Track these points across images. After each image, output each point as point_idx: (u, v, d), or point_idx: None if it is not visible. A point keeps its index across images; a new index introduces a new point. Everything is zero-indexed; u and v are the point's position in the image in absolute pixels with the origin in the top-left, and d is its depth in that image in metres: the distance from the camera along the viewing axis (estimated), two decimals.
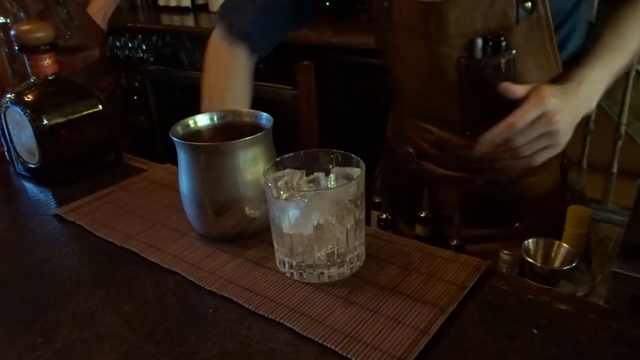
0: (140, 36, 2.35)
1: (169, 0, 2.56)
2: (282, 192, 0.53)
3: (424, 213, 0.97)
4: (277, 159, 0.58)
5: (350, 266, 0.56)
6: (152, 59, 2.35)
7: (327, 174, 0.58)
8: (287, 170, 0.57)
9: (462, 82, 0.75)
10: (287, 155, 0.58)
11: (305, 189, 0.56)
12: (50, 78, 0.81)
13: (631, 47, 0.74)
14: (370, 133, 1.09)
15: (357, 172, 0.56)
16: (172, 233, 0.67)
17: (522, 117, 0.65)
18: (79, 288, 0.59)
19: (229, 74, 0.87)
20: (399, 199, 0.99)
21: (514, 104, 0.76)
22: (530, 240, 0.64)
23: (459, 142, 0.84)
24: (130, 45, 2.39)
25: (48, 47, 0.79)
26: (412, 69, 0.80)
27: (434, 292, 0.53)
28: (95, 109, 0.85)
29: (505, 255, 0.84)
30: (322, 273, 0.55)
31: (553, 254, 0.63)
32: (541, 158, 0.69)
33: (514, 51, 0.71)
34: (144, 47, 2.37)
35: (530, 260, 0.61)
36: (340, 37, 1.76)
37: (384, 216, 1.00)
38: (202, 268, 0.60)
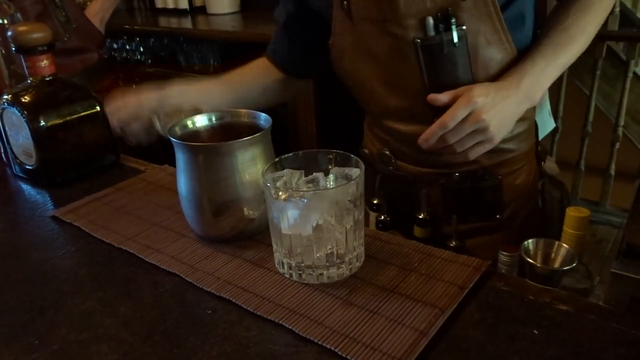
0: (137, 38, 2.35)
1: (167, 3, 2.56)
2: (281, 193, 0.53)
3: (422, 214, 0.97)
4: (276, 160, 0.58)
5: (350, 267, 0.56)
6: (149, 61, 2.35)
7: (326, 174, 0.58)
8: (286, 171, 0.57)
9: (422, 63, 0.77)
10: (286, 156, 0.58)
11: (304, 189, 0.56)
12: (47, 79, 0.81)
13: (579, 41, 0.78)
14: (352, 137, 1.09)
15: (356, 172, 0.56)
16: (170, 234, 0.67)
17: (451, 116, 0.70)
18: (76, 289, 0.58)
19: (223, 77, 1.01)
20: (391, 203, 0.99)
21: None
22: (530, 241, 0.64)
23: None
24: (128, 47, 2.39)
25: (45, 48, 0.79)
26: (374, 64, 0.82)
27: (433, 293, 0.53)
28: (93, 110, 0.85)
29: (504, 256, 0.84)
30: (321, 274, 0.55)
31: (553, 255, 0.63)
32: (474, 153, 0.74)
33: (464, 27, 0.73)
34: (141, 49, 2.37)
35: (530, 261, 0.61)
36: None
37: (382, 217, 1.00)
38: (201, 269, 0.59)
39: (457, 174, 0.87)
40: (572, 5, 0.79)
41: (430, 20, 0.73)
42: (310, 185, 0.56)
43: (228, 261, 0.60)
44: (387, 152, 0.92)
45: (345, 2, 0.81)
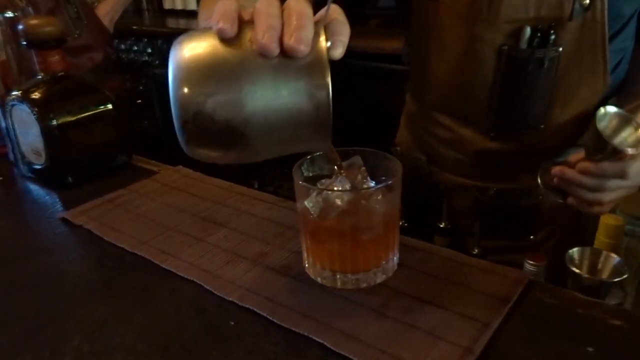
0: (145, 39, 2.32)
1: (175, 4, 2.54)
2: (317, 192, 0.49)
3: (443, 224, 0.93)
4: (308, 157, 0.54)
5: (383, 275, 0.52)
6: (157, 62, 2.32)
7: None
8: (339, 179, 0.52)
9: (500, 72, 0.71)
10: (318, 154, 0.54)
11: (339, 188, 0.52)
12: (59, 75, 0.77)
13: None
14: (380, 137, 1.06)
15: (393, 172, 0.52)
16: (186, 238, 0.63)
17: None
18: (88, 296, 0.55)
19: None
20: (411, 208, 0.95)
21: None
22: (575, 249, 0.60)
23: (478, 142, 0.81)
24: (135, 48, 2.37)
25: (57, 42, 0.76)
26: (448, 55, 0.77)
27: (473, 305, 0.49)
28: (105, 108, 0.81)
29: (530, 265, 0.80)
30: (357, 279, 0.51)
31: (600, 265, 0.59)
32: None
33: (560, 48, 0.68)
34: (149, 51, 2.35)
35: (577, 271, 0.57)
36: (350, 42, 1.73)
37: (400, 223, 0.96)
38: (221, 276, 0.56)
39: (494, 190, 0.82)
40: None
41: (528, 31, 0.67)
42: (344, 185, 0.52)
43: (250, 268, 0.57)
44: (422, 157, 0.88)
45: None
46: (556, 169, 0.68)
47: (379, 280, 0.52)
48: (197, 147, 0.44)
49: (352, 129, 1.89)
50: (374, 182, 0.53)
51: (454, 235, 0.92)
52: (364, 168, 0.52)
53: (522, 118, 0.75)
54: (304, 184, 0.50)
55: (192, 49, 0.41)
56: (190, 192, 0.75)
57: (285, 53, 0.40)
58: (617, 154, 0.63)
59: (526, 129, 0.76)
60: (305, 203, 0.50)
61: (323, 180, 0.53)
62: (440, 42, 0.76)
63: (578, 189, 0.66)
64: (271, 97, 0.41)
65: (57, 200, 0.77)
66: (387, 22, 1.94)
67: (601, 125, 0.64)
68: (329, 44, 0.41)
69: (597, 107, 0.72)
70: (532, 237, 0.84)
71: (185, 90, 0.40)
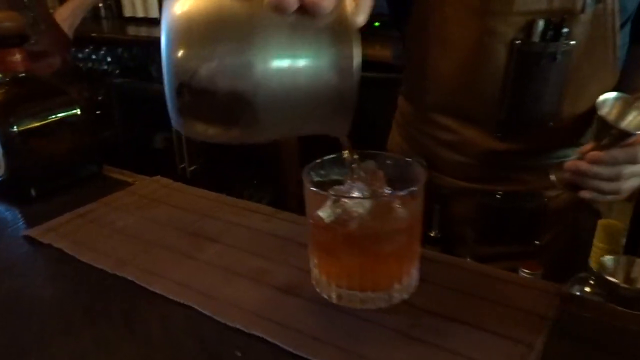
0: (105, 48, 2.22)
1: (136, 11, 2.44)
2: (333, 200, 0.44)
3: (433, 232, 0.89)
4: (318, 161, 0.48)
5: (406, 292, 0.47)
6: (117, 71, 2.22)
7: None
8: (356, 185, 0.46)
9: (511, 68, 0.69)
10: (328, 157, 0.48)
11: (359, 195, 0.46)
12: (20, 76, 0.69)
13: None
14: (369, 146, 1.02)
15: (416, 178, 0.47)
16: (174, 256, 0.56)
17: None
18: (64, 327, 0.47)
19: None
20: None
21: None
22: (608, 257, 0.57)
23: (483, 143, 0.77)
24: (94, 56, 2.26)
25: (19, 39, 0.68)
26: (454, 52, 0.73)
27: (510, 323, 0.44)
28: (72, 113, 0.73)
29: (525, 274, 0.77)
30: (378, 297, 0.46)
31: (634, 273, 0.55)
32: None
33: (573, 42, 0.66)
34: (108, 59, 2.24)
35: (614, 280, 0.53)
36: None
37: None
38: (219, 298, 0.49)
39: (500, 193, 0.79)
40: None
41: (541, 24, 0.66)
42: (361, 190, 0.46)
43: (251, 287, 0.50)
44: (421, 161, 0.83)
45: None
46: (569, 164, 0.66)
47: (401, 298, 0.47)
48: (191, 120, 0.37)
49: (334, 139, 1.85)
50: (390, 189, 0.48)
51: (445, 243, 0.88)
52: (381, 172, 0.47)
53: (532, 115, 0.73)
54: (317, 190, 0.45)
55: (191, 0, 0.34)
56: (172, 204, 0.68)
57: (305, 10, 0.33)
58: (624, 137, 0.62)
59: (536, 127, 0.74)
60: (319, 213, 0.45)
61: (336, 187, 0.47)
62: (445, 38, 0.73)
63: (594, 181, 0.64)
64: (286, 63, 0.34)
65: (19, 216, 0.68)
66: (366, 29, 1.91)
67: (603, 111, 0.63)
68: (353, 6, 0.36)
69: None
70: (537, 242, 0.81)
71: (184, 46, 0.34)
